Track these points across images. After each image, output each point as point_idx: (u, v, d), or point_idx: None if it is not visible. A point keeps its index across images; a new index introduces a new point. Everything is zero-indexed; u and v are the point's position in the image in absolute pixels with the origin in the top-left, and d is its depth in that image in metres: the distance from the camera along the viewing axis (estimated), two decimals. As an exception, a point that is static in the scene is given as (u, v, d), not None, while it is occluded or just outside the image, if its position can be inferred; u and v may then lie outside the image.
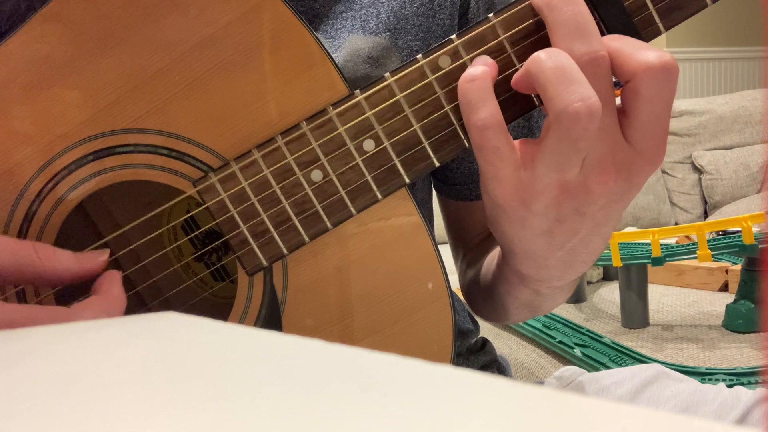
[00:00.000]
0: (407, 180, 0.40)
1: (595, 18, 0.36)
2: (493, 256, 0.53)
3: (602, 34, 0.35)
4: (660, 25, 0.37)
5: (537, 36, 0.37)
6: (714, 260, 1.49)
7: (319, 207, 0.40)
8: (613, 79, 0.36)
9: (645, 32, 0.38)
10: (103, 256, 0.38)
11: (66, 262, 0.36)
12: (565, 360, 1.16)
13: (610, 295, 1.47)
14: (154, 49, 0.38)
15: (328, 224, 0.40)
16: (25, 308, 0.34)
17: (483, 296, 0.56)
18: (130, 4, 0.38)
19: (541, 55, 0.34)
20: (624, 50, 0.34)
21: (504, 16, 0.37)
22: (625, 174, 0.36)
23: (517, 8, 0.37)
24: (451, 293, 0.42)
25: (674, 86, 0.34)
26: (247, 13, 0.38)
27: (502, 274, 0.49)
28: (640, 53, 0.34)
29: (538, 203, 0.37)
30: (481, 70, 0.36)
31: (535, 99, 0.38)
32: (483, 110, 0.35)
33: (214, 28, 0.38)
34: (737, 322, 1.19)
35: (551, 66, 0.33)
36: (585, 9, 0.35)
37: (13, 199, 0.39)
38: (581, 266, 0.43)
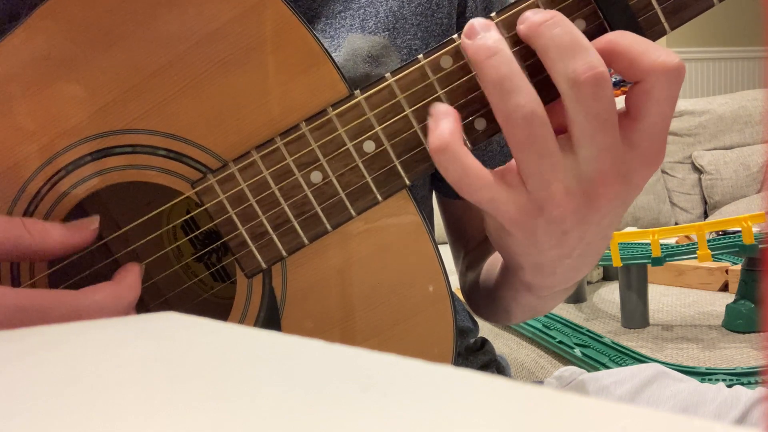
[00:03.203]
0: (408, 181, 0.39)
1: (599, 17, 0.36)
2: (493, 260, 0.53)
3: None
4: (665, 25, 0.37)
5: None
6: (714, 260, 1.49)
7: (318, 209, 0.39)
8: (614, 79, 0.36)
9: (650, 32, 0.37)
10: (93, 224, 0.38)
11: (56, 234, 0.37)
12: (565, 360, 1.16)
13: (610, 295, 1.47)
14: (152, 48, 0.38)
15: (328, 226, 0.40)
16: (32, 293, 0.34)
17: (485, 300, 0.56)
18: (128, 2, 0.38)
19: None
20: (635, 48, 0.34)
21: (505, 16, 0.37)
22: (625, 178, 0.36)
23: (519, 8, 0.37)
24: (452, 295, 0.42)
25: (680, 87, 0.34)
26: (246, 12, 0.38)
27: (506, 282, 0.48)
28: (653, 53, 0.33)
29: (548, 214, 0.36)
30: (447, 131, 0.36)
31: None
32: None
33: (213, 27, 0.38)
34: (737, 322, 1.19)
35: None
36: (572, 27, 0.34)
37: (12, 198, 0.39)
38: (586, 268, 0.43)
